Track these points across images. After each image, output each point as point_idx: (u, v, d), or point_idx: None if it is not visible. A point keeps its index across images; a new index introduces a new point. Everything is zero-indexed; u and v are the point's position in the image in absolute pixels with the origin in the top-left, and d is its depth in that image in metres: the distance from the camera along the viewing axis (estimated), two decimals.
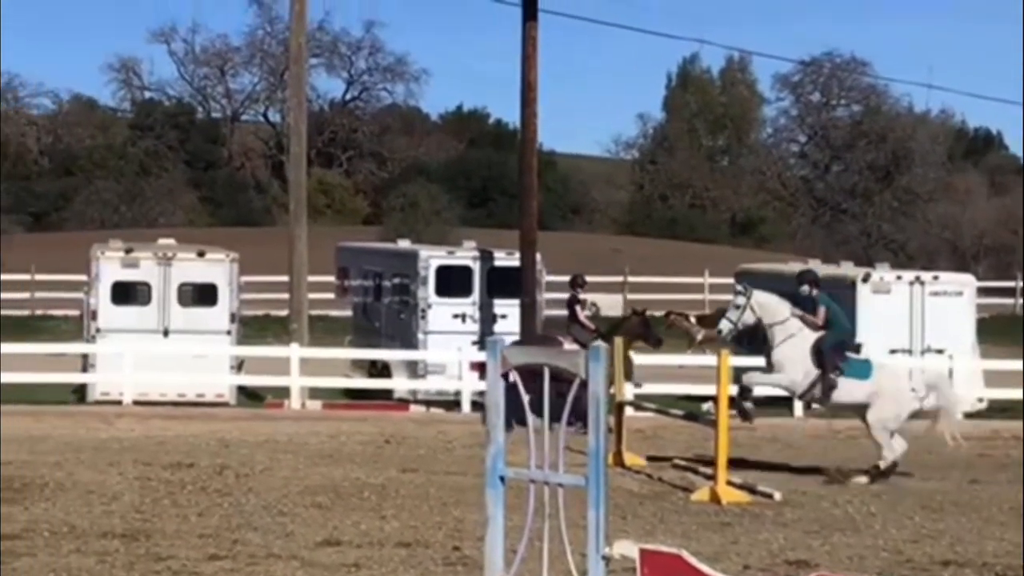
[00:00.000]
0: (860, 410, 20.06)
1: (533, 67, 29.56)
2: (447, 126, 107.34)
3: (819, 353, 19.81)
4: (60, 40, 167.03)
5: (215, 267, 30.59)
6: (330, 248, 38.60)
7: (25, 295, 46.15)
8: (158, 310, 30.17)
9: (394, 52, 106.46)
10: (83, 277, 33.86)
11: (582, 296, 27.58)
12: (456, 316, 30.37)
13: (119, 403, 27.99)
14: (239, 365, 30.07)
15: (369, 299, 33.79)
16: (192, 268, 30.60)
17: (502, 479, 10.37)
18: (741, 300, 19.96)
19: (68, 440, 22.34)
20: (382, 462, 20.67)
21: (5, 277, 46.55)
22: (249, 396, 30.41)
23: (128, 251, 30.74)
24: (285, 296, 32.97)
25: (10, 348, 31.51)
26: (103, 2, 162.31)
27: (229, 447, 21.93)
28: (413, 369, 29.94)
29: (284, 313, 34.60)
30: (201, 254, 30.98)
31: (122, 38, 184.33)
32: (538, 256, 29.80)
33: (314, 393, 29.38)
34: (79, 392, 30.07)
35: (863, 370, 19.97)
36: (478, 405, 27.48)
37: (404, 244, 35.56)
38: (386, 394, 30.04)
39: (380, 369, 30.84)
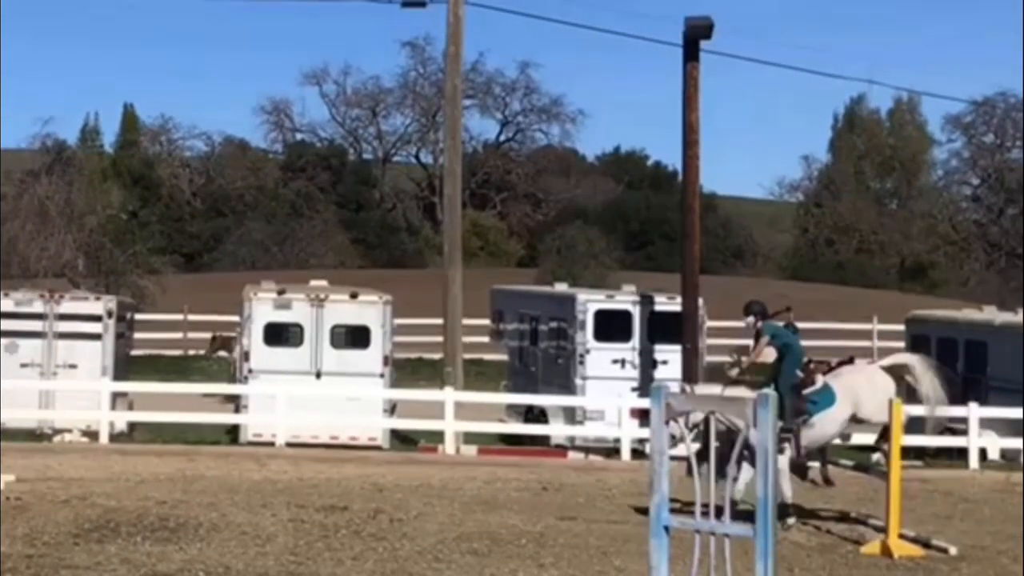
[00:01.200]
0: (850, 430, 19.96)
1: (694, 108, 29.55)
2: (604, 167, 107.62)
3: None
4: (213, 83, 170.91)
5: (368, 309, 30.91)
6: (484, 291, 38.79)
7: (178, 335, 47.04)
8: (310, 352, 30.57)
9: (549, 93, 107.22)
10: (235, 318, 34.46)
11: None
12: (615, 361, 30.38)
13: (272, 444, 28.41)
14: (392, 408, 30.34)
15: (525, 343, 33.90)
16: (345, 310, 30.95)
17: (666, 528, 10.32)
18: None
19: (222, 481, 22.72)
20: (539, 509, 20.67)
21: (159, 317, 47.55)
22: (402, 440, 30.67)
23: (281, 292, 31.18)
24: (438, 339, 33.17)
25: (164, 388, 32.33)
26: (255, 45, 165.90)
27: (383, 491, 22.10)
28: (571, 415, 29.97)
29: (437, 356, 34.84)
30: (354, 296, 31.32)
31: (274, 81, 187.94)
32: (700, 301, 29.71)
33: (469, 438, 29.54)
34: (232, 433, 30.60)
35: (827, 398, 19.54)
36: (638, 453, 27.47)
37: (561, 287, 35.66)
38: (543, 440, 30.08)
39: (537, 415, 30.91)
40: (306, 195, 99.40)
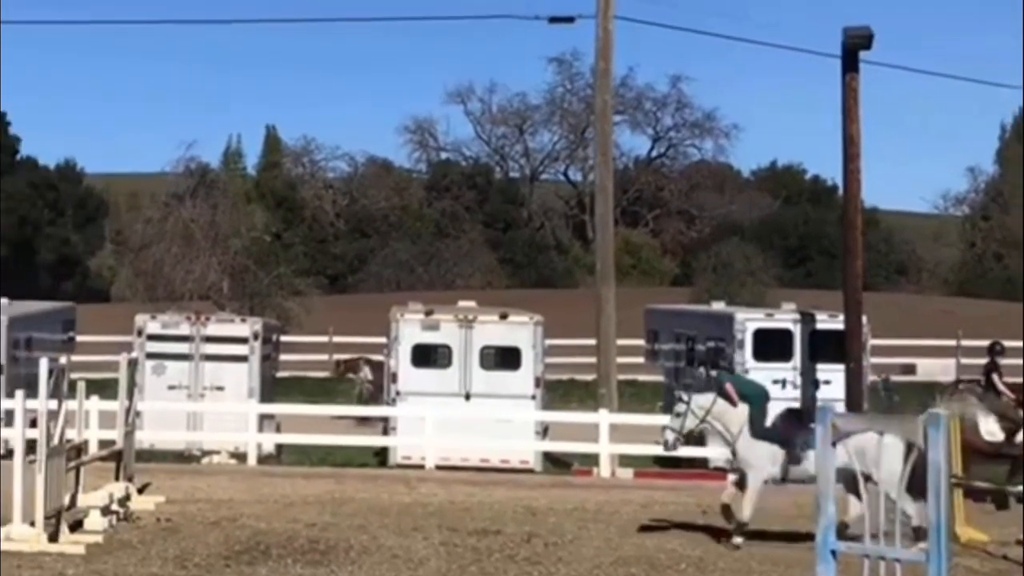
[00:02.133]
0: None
1: (854, 120, 29.31)
2: (760, 182, 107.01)
3: (769, 431, 19.64)
4: (356, 104, 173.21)
5: (518, 330, 30.99)
6: (636, 310, 38.76)
7: (323, 357, 47.58)
8: (459, 373, 30.75)
9: (702, 107, 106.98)
10: (381, 339, 34.78)
11: (1002, 362, 27.21)
12: (776, 382, 30.09)
13: (421, 467, 28.65)
14: (544, 431, 30.41)
15: (681, 363, 33.81)
16: (494, 331, 31.07)
17: (834, 553, 10.27)
18: (682, 407, 19.96)
19: (371, 503, 22.95)
20: (699, 533, 20.60)
21: (304, 339, 48.17)
22: (554, 463, 30.72)
23: (428, 313, 31.41)
24: (591, 360, 33.23)
25: (310, 410, 32.82)
26: (398, 65, 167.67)
27: (536, 515, 22.16)
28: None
29: (590, 377, 34.85)
30: (504, 316, 31.43)
31: (418, 100, 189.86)
32: (863, 318, 29.42)
33: (624, 461, 29.51)
34: (380, 455, 30.91)
35: None
36: None
37: (718, 306, 35.52)
38: (701, 463, 29.93)
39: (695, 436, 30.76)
40: (452, 214, 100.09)
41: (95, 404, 27.19)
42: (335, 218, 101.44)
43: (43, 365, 18.84)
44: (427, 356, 31.00)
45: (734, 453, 20.28)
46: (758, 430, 19.66)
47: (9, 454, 21.53)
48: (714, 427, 20.15)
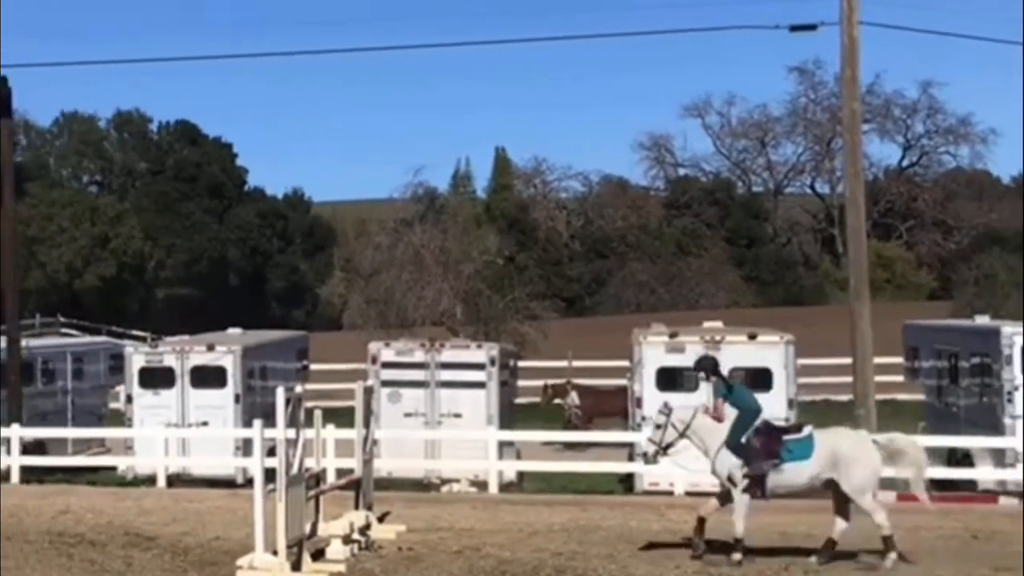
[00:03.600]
0: (813, 486, 20.37)
1: None
2: (1022, 189, 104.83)
3: (742, 447, 19.96)
4: (588, 122, 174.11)
5: (768, 350, 30.76)
6: (891, 326, 38.14)
7: (562, 381, 47.75)
8: (708, 397, 30.55)
9: (956, 113, 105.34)
10: (622, 363, 34.79)
11: None
12: None
13: (670, 493, 28.59)
14: None
15: (944, 381, 33.24)
16: (743, 352, 30.85)
17: None
18: (662, 419, 20.35)
19: (619, 531, 22.98)
20: (970, 560, 20.27)
21: (542, 364, 48.39)
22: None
23: (672, 335, 31.34)
24: (846, 379, 32.76)
25: (551, 436, 33.06)
26: (632, 81, 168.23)
27: (792, 540, 21.96)
28: (1000, 457, 29.20)
29: (845, 398, 34.36)
30: (752, 337, 31.21)
31: (653, 115, 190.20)
32: None
33: (885, 483, 28.99)
34: (626, 482, 30.91)
35: (804, 449, 19.98)
36: None
37: (982, 320, 34.84)
38: (970, 485, 29.36)
39: (960, 457, 30.21)
40: (692, 232, 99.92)
41: (331, 432, 27.74)
42: (570, 239, 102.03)
43: (280, 394, 19.27)
44: (672, 379, 30.90)
45: (713, 470, 20.68)
46: (732, 443, 20.06)
47: (249, 483, 22.12)
48: (694, 441, 20.58)
